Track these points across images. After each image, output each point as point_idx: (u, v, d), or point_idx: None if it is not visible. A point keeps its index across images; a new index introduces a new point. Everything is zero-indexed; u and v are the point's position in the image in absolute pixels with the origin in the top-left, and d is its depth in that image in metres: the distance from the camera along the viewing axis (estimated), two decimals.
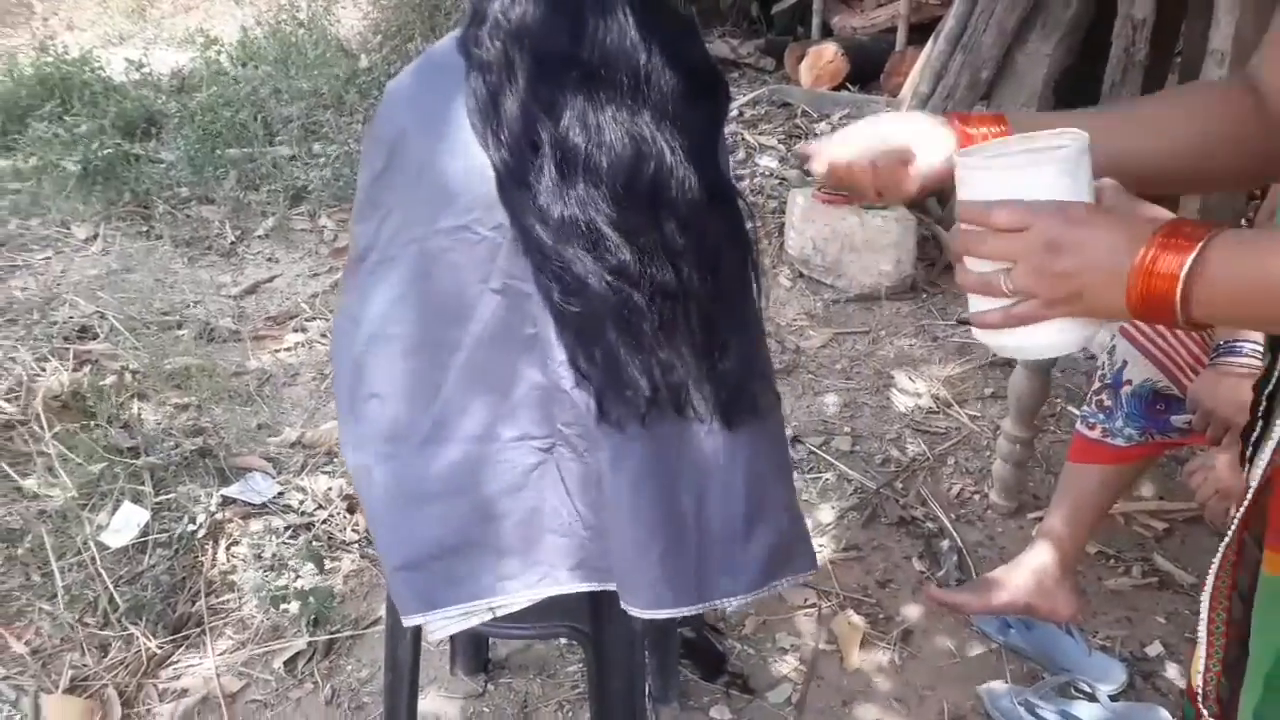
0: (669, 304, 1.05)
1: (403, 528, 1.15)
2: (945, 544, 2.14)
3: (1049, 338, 0.75)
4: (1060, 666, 1.80)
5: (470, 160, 1.04)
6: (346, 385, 1.16)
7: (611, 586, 1.17)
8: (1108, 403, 1.71)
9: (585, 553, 1.16)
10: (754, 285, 1.13)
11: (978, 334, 0.79)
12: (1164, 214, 0.78)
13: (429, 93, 1.09)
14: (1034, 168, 0.74)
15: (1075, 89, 3.46)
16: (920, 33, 5.22)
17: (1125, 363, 1.68)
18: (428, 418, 1.11)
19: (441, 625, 1.18)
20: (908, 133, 0.94)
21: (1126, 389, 1.68)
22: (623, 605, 1.16)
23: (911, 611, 1.99)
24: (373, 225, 1.12)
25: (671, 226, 1.04)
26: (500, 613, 1.18)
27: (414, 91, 1.11)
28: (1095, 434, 1.73)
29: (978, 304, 0.77)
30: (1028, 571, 1.65)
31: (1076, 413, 2.61)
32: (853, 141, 0.96)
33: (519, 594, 1.16)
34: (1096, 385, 1.75)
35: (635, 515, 1.10)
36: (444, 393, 1.10)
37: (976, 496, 2.33)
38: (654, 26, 1.03)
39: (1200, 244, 0.66)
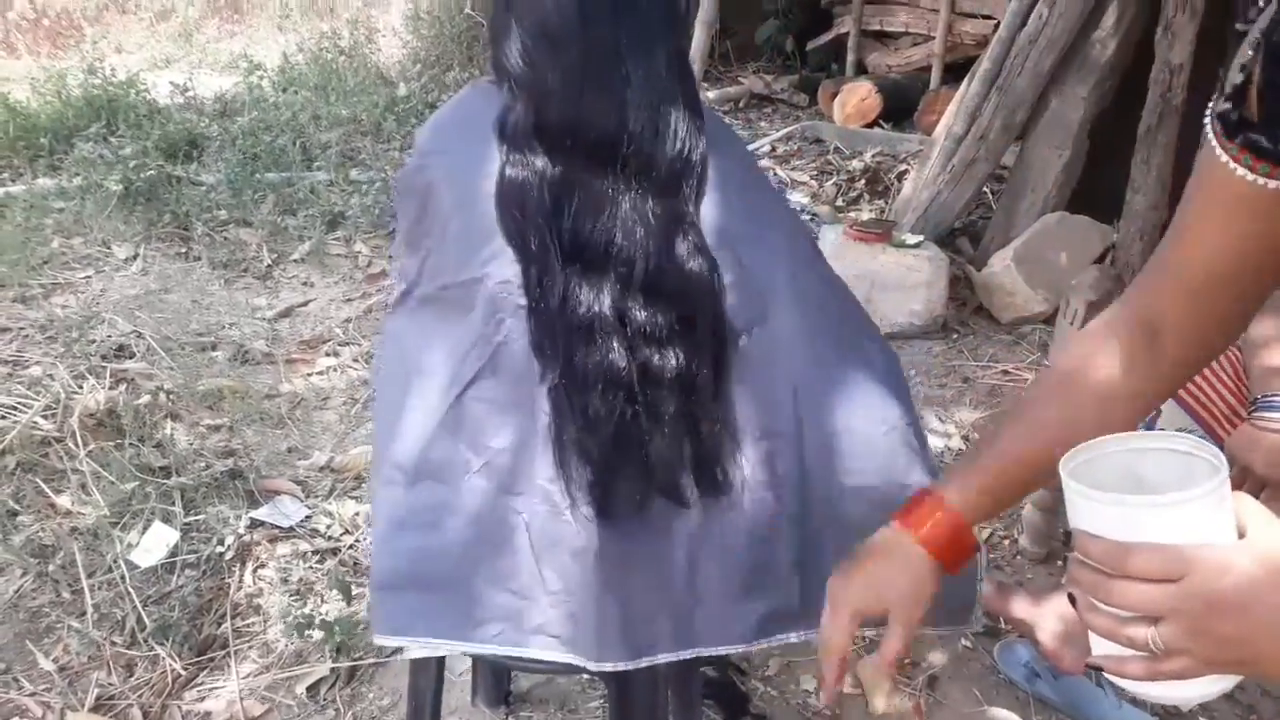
0: (667, 393, 1.06)
1: (385, 549, 1.17)
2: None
3: (1201, 689, 0.67)
4: (1088, 718, 1.77)
5: (489, 221, 1.07)
6: (384, 408, 1.19)
7: (564, 656, 1.14)
8: None
9: (544, 618, 1.14)
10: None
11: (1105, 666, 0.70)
12: None
13: (462, 145, 1.11)
14: (1175, 507, 0.64)
15: (1111, 133, 3.46)
16: (955, 72, 5.23)
17: (1159, 412, 1.67)
18: (418, 453, 1.12)
19: (419, 647, 1.19)
20: (880, 599, 0.94)
21: None
22: (589, 667, 1.15)
23: (937, 657, 1.97)
24: (414, 264, 1.15)
25: (674, 315, 1.05)
26: (461, 650, 1.18)
27: (447, 140, 1.14)
28: None
29: (1108, 646, 0.68)
30: (1051, 615, 1.63)
31: None
32: (836, 645, 0.95)
33: (475, 645, 1.15)
34: None
35: (621, 586, 1.10)
36: (437, 433, 1.12)
37: (1006, 542, 2.30)
38: (677, 99, 1.04)
39: None
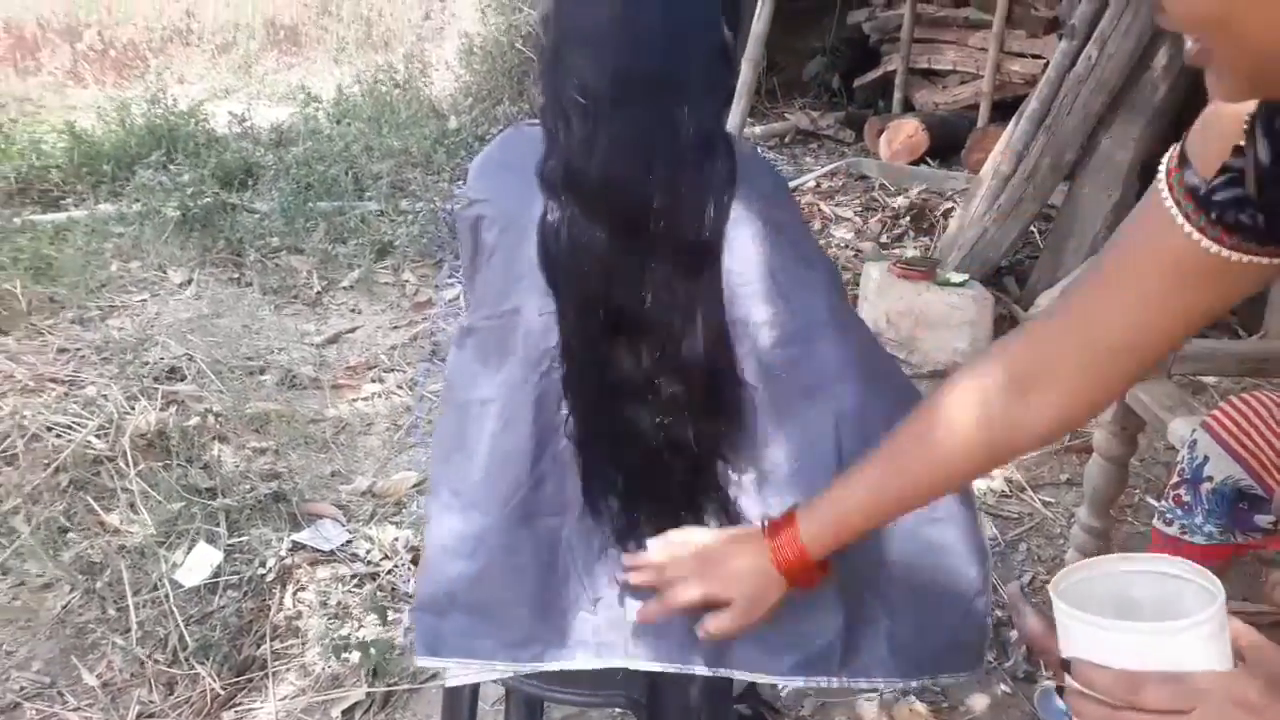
0: (686, 458, 1.10)
1: (430, 571, 1.19)
2: (1014, 634, 2.08)
3: None
4: None
5: (529, 255, 1.09)
6: (439, 435, 1.22)
7: (615, 662, 1.16)
8: (1186, 499, 1.66)
9: (582, 633, 1.16)
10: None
11: None
12: None
13: (508, 185, 1.13)
14: (1182, 634, 0.64)
15: None
16: (1002, 110, 5.22)
17: (1206, 458, 1.64)
18: (465, 482, 1.15)
19: (457, 673, 1.20)
20: (726, 590, 1.03)
21: (1207, 486, 1.63)
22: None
23: (977, 702, 1.93)
24: (471, 299, 1.19)
25: (700, 383, 1.08)
26: (498, 676, 1.19)
27: (493, 180, 1.17)
28: (1173, 530, 1.68)
29: None
30: None
31: (1156, 505, 2.54)
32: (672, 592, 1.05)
33: (521, 665, 1.17)
34: (1175, 480, 1.70)
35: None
36: (485, 462, 1.14)
37: (1048, 586, 2.26)
38: (708, 169, 1.06)
39: None
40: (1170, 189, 0.77)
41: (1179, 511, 1.67)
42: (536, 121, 1.13)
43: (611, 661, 1.15)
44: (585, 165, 1.04)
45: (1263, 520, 1.59)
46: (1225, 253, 0.75)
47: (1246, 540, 1.64)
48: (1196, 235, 0.75)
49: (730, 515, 1.13)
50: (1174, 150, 0.78)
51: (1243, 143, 0.71)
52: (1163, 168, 0.78)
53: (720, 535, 1.09)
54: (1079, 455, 2.70)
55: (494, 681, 1.25)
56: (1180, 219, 0.76)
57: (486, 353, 1.15)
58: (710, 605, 1.04)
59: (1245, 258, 0.74)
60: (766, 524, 1.04)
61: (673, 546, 1.07)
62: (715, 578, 1.03)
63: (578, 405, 1.10)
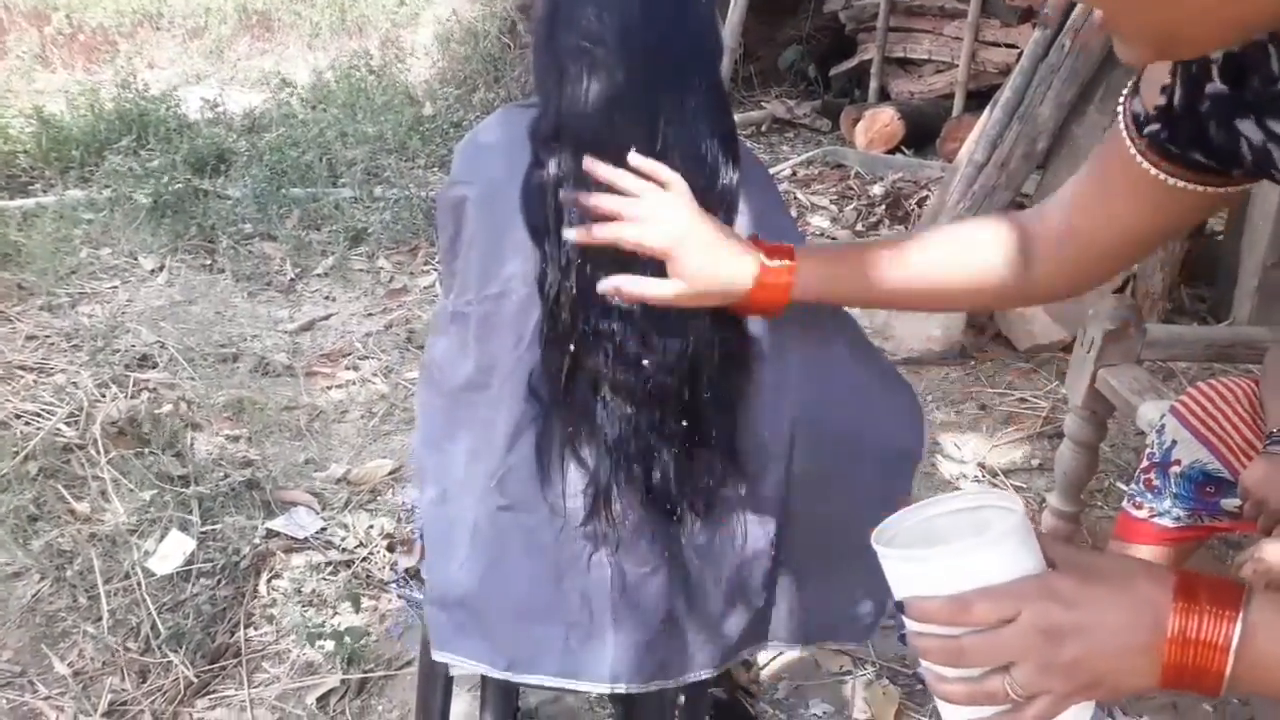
0: (674, 411, 1.08)
1: (439, 566, 1.18)
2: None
3: None
4: None
5: (516, 237, 1.09)
6: (425, 424, 1.21)
7: (585, 687, 1.15)
8: (1155, 482, 1.69)
9: (563, 644, 1.14)
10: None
11: None
12: (1130, 560, 0.73)
13: (493, 167, 1.13)
14: (990, 549, 0.67)
15: None
16: (978, 99, 5.24)
17: (1174, 443, 1.66)
18: (458, 472, 1.14)
19: (462, 665, 1.20)
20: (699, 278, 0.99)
21: (1175, 469, 1.65)
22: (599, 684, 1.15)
23: None
24: (450, 281, 1.18)
25: (693, 340, 1.06)
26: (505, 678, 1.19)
27: (479, 162, 1.16)
28: (1142, 513, 1.70)
29: (965, 712, 0.69)
30: None
31: (1125, 489, 2.57)
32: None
33: (512, 673, 1.16)
34: (1144, 464, 1.72)
35: (627, 602, 1.11)
36: (470, 450, 1.14)
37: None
38: (706, 130, 1.07)
39: (1241, 608, 0.63)
40: (1124, 117, 0.85)
41: (1148, 495, 1.70)
42: (525, 103, 1.13)
43: (585, 686, 1.14)
44: (584, 114, 1.04)
45: (1229, 504, 1.62)
46: (1160, 175, 0.83)
47: (1214, 523, 1.67)
48: (1139, 158, 0.84)
49: (705, 495, 1.11)
50: (1134, 78, 0.85)
51: (1168, 83, 0.80)
52: (1124, 92, 0.86)
53: (709, 221, 1.00)
54: (1050, 440, 2.73)
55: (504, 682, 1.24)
56: (1127, 140, 0.84)
57: (472, 337, 1.14)
58: (644, 258, 0.98)
59: (1178, 182, 0.83)
60: (757, 237, 1.03)
61: (649, 182, 0.99)
62: (672, 235, 0.97)
63: (558, 361, 1.07)
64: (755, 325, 1.10)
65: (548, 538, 1.11)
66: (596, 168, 0.98)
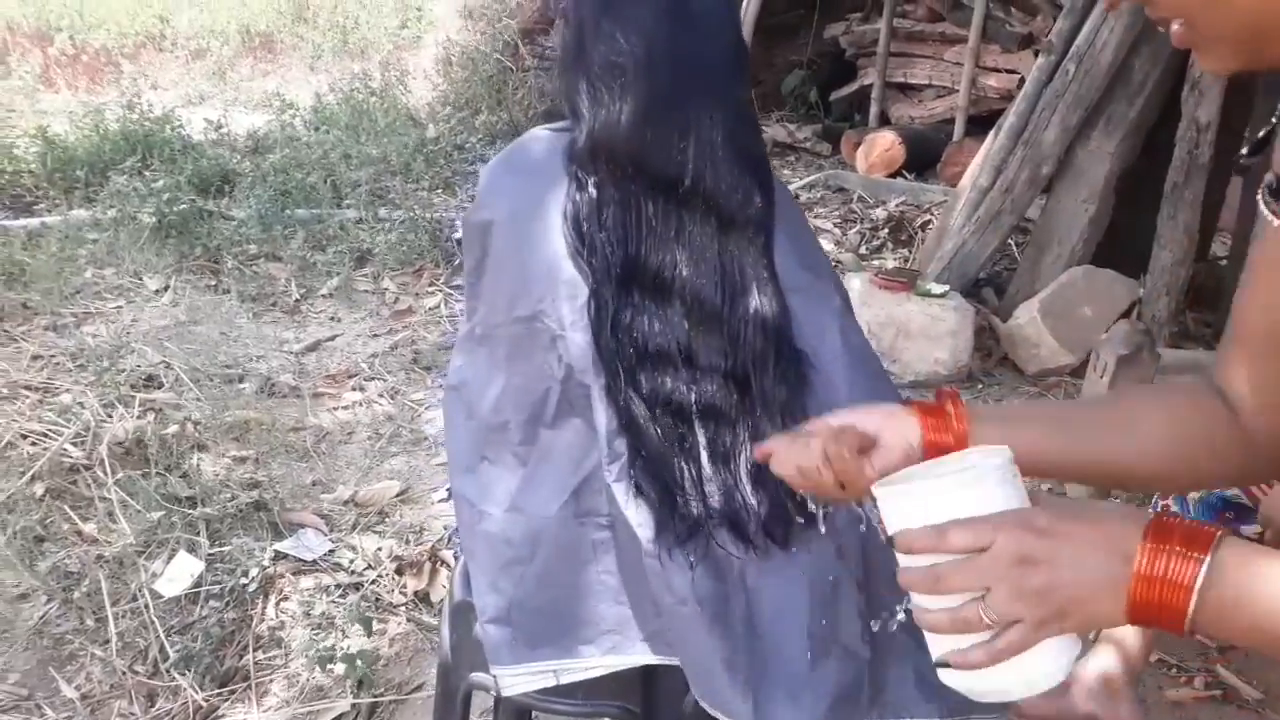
0: (730, 430, 1.07)
1: (492, 582, 1.18)
2: None
3: (1041, 666, 0.69)
4: None
5: (549, 259, 1.09)
6: (454, 445, 1.20)
7: (675, 660, 1.16)
8: (1174, 508, 1.68)
9: (654, 626, 1.15)
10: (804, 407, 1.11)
11: (957, 682, 0.72)
12: (1111, 504, 0.75)
13: (521, 190, 1.13)
14: (975, 485, 0.70)
15: (1137, 188, 3.47)
16: (978, 124, 5.28)
17: None
18: (509, 488, 1.14)
19: (511, 683, 1.19)
20: (870, 420, 0.91)
21: (1194, 495, 1.65)
22: (695, 694, 1.14)
23: None
24: (477, 305, 1.18)
25: (743, 355, 1.06)
26: (564, 679, 1.18)
27: (506, 185, 1.16)
28: None
29: (948, 644, 0.70)
30: (1093, 677, 1.61)
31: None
32: (811, 443, 0.91)
33: (587, 660, 1.17)
34: None
35: (695, 617, 1.10)
36: (529, 465, 1.14)
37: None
38: (740, 143, 1.07)
39: (1210, 550, 0.63)
40: (1266, 204, 0.81)
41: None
42: (553, 126, 1.14)
43: (673, 660, 1.14)
44: (618, 133, 1.04)
45: (1248, 530, 1.61)
46: None
47: None
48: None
49: (776, 519, 1.08)
50: (1270, 175, 0.81)
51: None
52: (1261, 191, 0.82)
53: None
54: None
55: (487, 691, 1.24)
56: (1268, 213, 0.81)
57: (504, 359, 1.14)
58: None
59: None
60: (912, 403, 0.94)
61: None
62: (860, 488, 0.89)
63: (611, 383, 1.06)
64: (804, 342, 1.10)
65: (618, 552, 1.12)
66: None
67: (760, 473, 1.06)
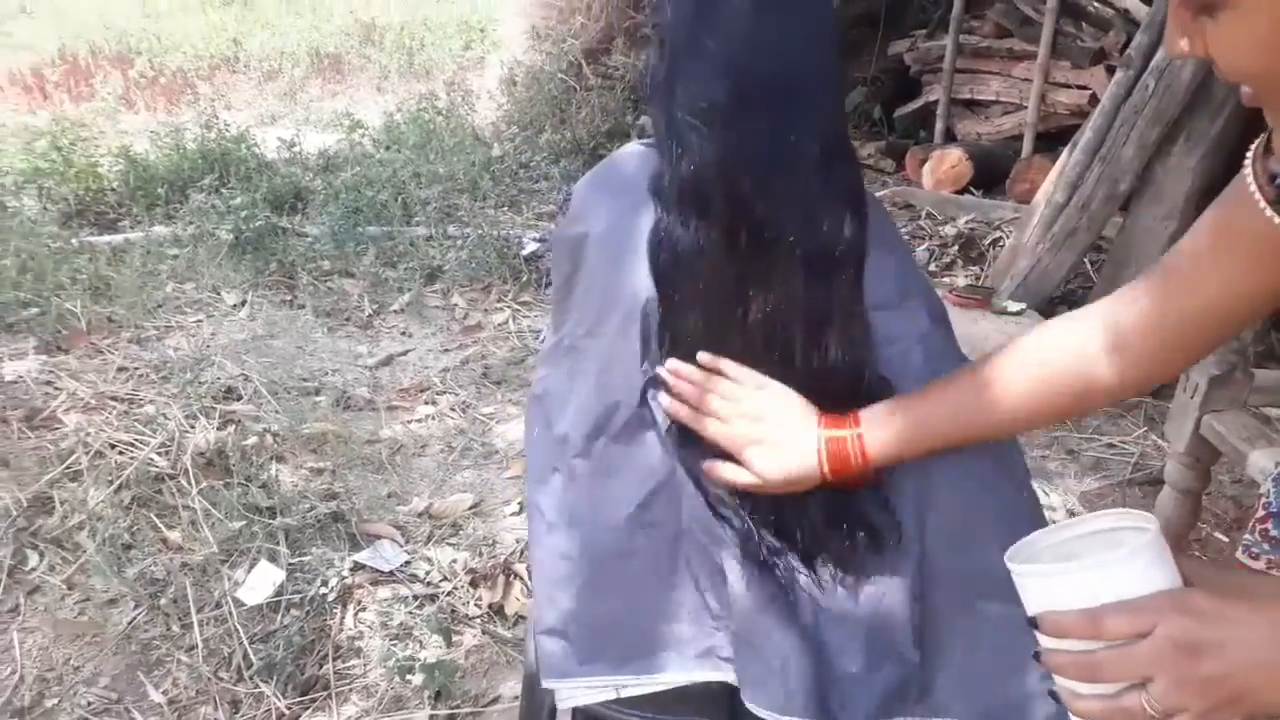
0: None
1: (549, 594, 1.18)
2: None
3: None
4: None
5: (636, 282, 1.09)
6: (533, 454, 1.21)
7: (733, 677, 1.15)
8: (1274, 533, 1.63)
9: (713, 641, 1.15)
10: None
11: None
12: (1270, 579, 0.73)
13: (613, 207, 1.14)
14: (1124, 564, 0.67)
15: None
16: (1046, 141, 5.20)
17: None
18: (572, 500, 1.14)
19: (570, 694, 1.19)
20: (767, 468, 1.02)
21: None
22: (744, 700, 1.14)
23: None
24: (565, 318, 1.18)
25: (825, 389, 1.05)
26: (625, 694, 1.18)
27: (600, 202, 1.17)
28: (1259, 564, 1.64)
29: None
30: None
31: (1223, 539, 2.49)
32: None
33: (646, 677, 1.16)
34: (1261, 513, 1.66)
35: (760, 625, 1.10)
36: (587, 478, 1.14)
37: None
38: (834, 177, 1.05)
39: None
40: (1254, 174, 0.81)
41: (1266, 546, 1.64)
42: (646, 142, 1.14)
43: (731, 678, 1.12)
44: (706, 179, 1.03)
45: None
46: None
47: None
48: (1274, 216, 0.80)
49: (873, 531, 1.08)
50: (1263, 137, 0.81)
51: None
52: (1250, 152, 0.82)
53: (782, 394, 1.03)
54: (1142, 488, 2.66)
55: (621, 693, 1.23)
56: (1261, 202, 0.80)
57: (584, 372, 1.15)
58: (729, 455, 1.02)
59: None
60: (822, 419, 1.01)
61: (724, 379, 1.03)
62: (745, 437, 1.01)
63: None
64: (888, 365, 1.09)
65: (680, 559, 1.11)
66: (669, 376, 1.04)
67: (835, 504, 1.07)
